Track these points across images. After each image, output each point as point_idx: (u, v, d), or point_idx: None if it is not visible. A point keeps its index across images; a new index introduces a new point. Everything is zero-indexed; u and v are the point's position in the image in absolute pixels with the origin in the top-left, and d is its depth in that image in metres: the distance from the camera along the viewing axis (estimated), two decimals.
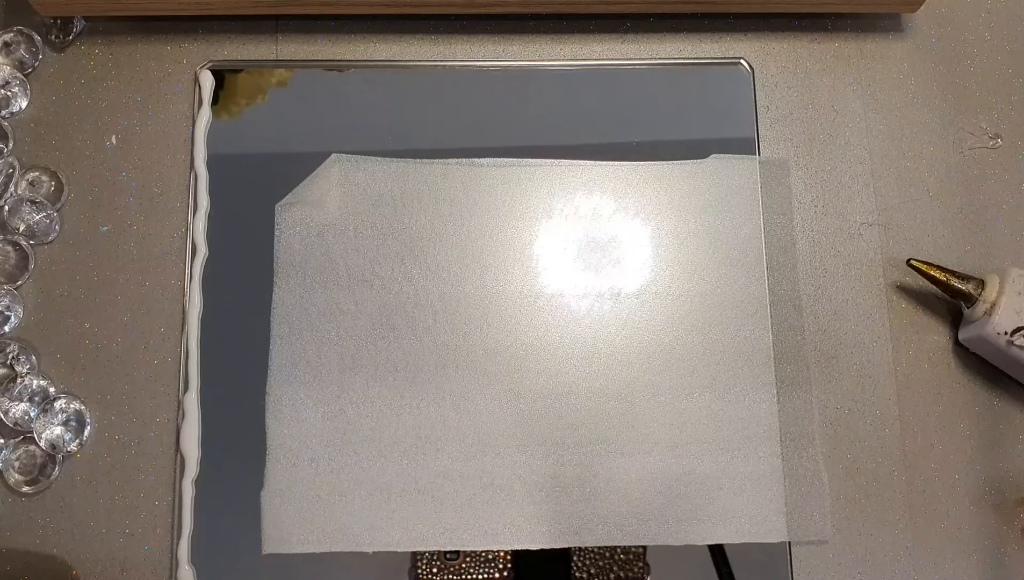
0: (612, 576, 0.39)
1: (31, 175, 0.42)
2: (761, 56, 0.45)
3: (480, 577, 0.39)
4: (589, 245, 0.42)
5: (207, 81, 0.43)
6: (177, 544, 0.38)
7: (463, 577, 0.39)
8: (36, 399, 0.39)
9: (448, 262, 0.41)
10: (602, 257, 0.42)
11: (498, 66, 0.44)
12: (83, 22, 0.44)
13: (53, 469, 0.39)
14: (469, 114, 0.43)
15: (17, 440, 0.39)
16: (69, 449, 0.39)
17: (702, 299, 0.41)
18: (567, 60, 0.44)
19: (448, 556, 0.39)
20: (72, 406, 0.39)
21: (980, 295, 0.40)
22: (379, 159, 0.42)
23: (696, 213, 0.42)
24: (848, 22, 0.46)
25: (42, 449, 0.39)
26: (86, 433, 0.39)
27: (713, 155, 0.43)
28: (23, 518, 0.38)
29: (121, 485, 0.39)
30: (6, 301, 0.40)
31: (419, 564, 0.38)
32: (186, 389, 0.40)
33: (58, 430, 0.39)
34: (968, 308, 0.41)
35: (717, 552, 0.39)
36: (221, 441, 0.39)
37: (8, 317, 0.40)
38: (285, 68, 0.43)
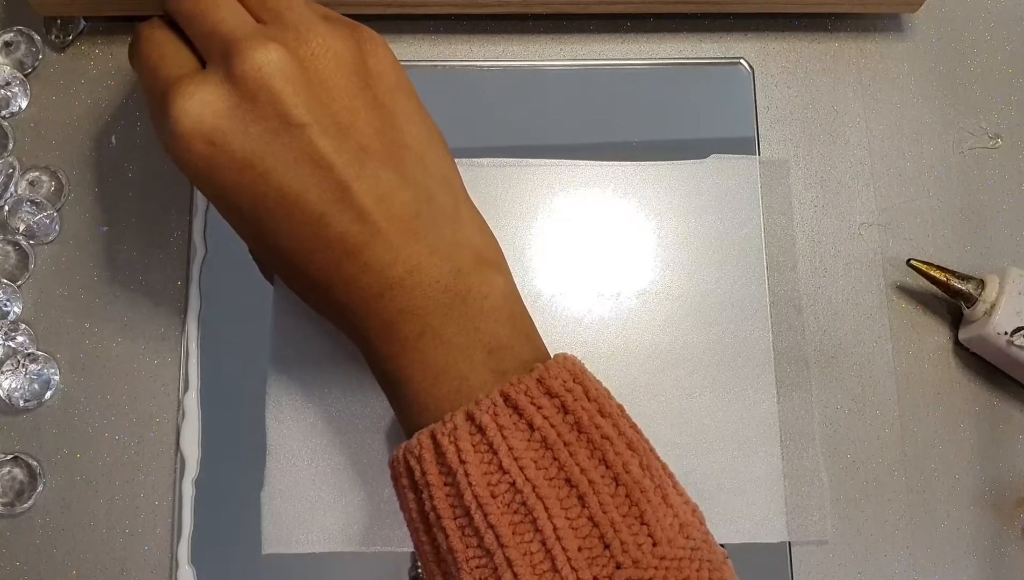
0: None
1: (31, 175, 0.42)
2: (761, 56, 0.45)
3: None
4: (589, 245, 0.42)
5: None
6: (177, 544, 0.38)
7: None
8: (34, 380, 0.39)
9: None
10: (602, 257, 0.42)
11: (498, 66, 0.44)
12: (83, 22, 0.44)
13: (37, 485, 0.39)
14: (469, 114, 0.43)
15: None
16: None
17: (702, 299, 0.41)
18: (567, 60, 0.44)
19: None
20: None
21: (980, 295, 0.40)
22: None
23: (696, 213, 0.42)
24: (848, 22, 0.46)
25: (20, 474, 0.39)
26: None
27: (713, 155, 0.43)
28: (23, 518, 0.38)
29: (121, 485, 0.39)
30: (6, 298, 0.40)
31: (419, 564, 0.38)
32: (186, 389, 0.40)
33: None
34: (968, 308, 0.41)
35: None
36: (221, 441, 0.39)
37: (7, 311, 0.40)
38: None
